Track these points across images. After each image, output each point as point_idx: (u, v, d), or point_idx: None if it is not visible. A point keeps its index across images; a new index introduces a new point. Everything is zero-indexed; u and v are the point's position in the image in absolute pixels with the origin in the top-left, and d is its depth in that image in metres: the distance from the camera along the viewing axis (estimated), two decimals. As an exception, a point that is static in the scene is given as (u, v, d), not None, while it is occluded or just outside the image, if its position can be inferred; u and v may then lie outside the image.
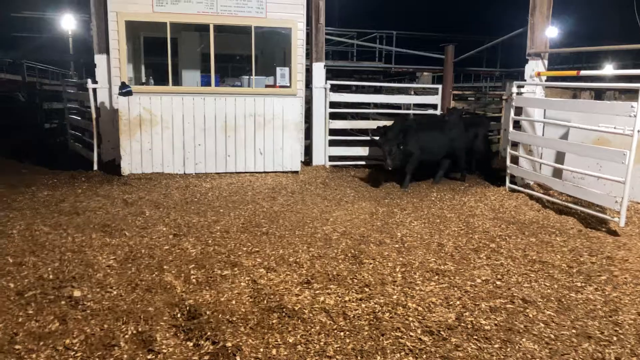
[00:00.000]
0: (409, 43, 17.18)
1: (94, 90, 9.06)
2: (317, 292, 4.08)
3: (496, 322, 3.66)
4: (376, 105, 11.95)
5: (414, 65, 16.35)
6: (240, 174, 9.05)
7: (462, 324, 3.61)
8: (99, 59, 9.14)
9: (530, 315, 3.77)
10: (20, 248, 4.95)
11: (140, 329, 3.46)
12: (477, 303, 3.95)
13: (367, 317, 3.69)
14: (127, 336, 3.37)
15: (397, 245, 5.31)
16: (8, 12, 15.46)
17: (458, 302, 3.96)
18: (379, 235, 5.65)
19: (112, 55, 8.91)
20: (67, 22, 17.57)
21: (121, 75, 8.88)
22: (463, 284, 4.32)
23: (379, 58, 17.19)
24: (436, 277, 4.48)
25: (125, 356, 3.15)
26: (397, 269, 4.63)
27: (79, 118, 10.93)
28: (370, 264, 4.74)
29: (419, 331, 3.50)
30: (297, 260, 4.77)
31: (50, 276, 4.29)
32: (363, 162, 10.14)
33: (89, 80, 9.02)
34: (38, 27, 16.90)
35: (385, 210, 6.79)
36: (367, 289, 4.17)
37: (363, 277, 4.41)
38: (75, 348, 3.22)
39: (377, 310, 3.79)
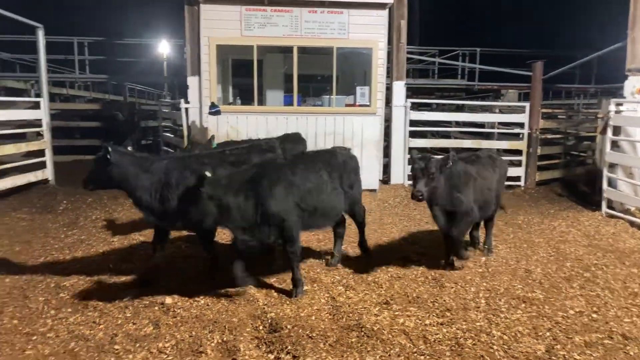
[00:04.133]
0: (494, 60, 16.64)
1: (186, 109, 9.69)
2: (397, 313, 4.03)
3: (592, 358, 3.39)
4: (458, 124, 11.65)
5: (499, 82, 15.78)
6: (319, 191, 9.18)
7: (553, 358, 3.38)
8: (192, 81, 9.77)
9: (632, 353, 3.46)
10: (120, 255, 5.39)
11: (225, 339, 3.61)
12: (570, 336, 3.69)
13: (449, 342, 3.58)
14: (213, 344, 3.54)
15: (480, 270, 5.10)
16: (112, 40, 17.10)
17: (548, 334, 3.72)
18: (460, 258, 5.46)
19: (203, 77, 9.49)
20: (163, 47, 19.09)
21: (211, 95, 9.43)
22: (553, 314, 4.05)
23: (462, 75, 16.81)
24: (523, 305, 4.25)
25: (211, 363, 3.30)
26: (481, 294, 4.45)
27: (172, 135, 11.72)
28: (452, 287, 4.60)
29: (504, 361, 3.34)
30: (376, 279, 4.74)
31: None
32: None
33: (182, 101, 9.66)
34: (138, 52, 18.49)
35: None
36: (448, 314, 4.04)
37: (444, 300, 4.29)
38: (167, 352, 3.43)
39: (459, 336, 3.66)
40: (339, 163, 4.90)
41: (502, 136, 11.00)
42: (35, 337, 3.65)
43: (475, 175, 4.99)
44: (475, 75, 16.17)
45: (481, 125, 11.33)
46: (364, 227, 5.54)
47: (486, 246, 5.66)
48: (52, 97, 12.58)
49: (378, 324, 3.82)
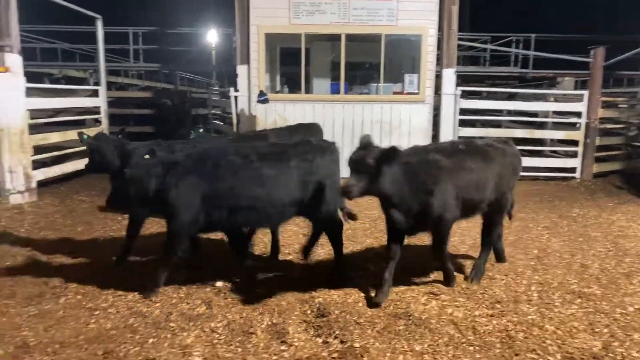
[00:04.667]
0: (548, 46, 15.89)
1: (236, 97, 9.87)
2: (445, 303, 3.99)
3: (653, 357, 3.25)
4: (510, 113, 11.27)
5: (554, 70, 15.06)
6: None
7: (610, 354, 3.26)
8: (241, 69, 9.93)
9: (698, 355, 3.28)
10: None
11: (274, 321, 3.70)
12: (629, 333, 3.54)
13: (499, 334, 3.52)
14: (263, 326, 3.64)
15: (532, 262, 4.96)
16: (164, 29, 17.59)
17: (605, 330, 3.59)
18: (511, 250, 5.32)
19: (252, 66, 9.62)
20: (211, 36, 19.52)
21: (259, 84, 9.56)
22: (611, 311, 3.89)
23: (515, 63, 16.19)
24: (578, 300, 4.10)
25: (261, 344, 3.40)
26: (533, 288, 4.33)
27: (221, 123, 11.99)
28: (502, 279, 4.50)
29: (558, 356, 3.25)
30: (423, 269, 4.70)
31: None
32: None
33: (232, 89, 9.85)
34: (188, 41, 18.91)
35: (518, 225, 6.38)
36: (498, 305, 3.97)
37: (494, 292, 4.21)
38: (219, 331, 3.56)
39: (509, 329, 3.59)
40: (297, 155, 4.17)
41: (557, 126, 10.56)
42: (97, 312, 3.87)
43: (452, 170, 3.96)
44: (528, 63, 15.53)
45: (534, 114, 10.90)
46: (341, 245, 4.44)
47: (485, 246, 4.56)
48: (109, 86, 13.09)
49: (426, 313, 3.81)
